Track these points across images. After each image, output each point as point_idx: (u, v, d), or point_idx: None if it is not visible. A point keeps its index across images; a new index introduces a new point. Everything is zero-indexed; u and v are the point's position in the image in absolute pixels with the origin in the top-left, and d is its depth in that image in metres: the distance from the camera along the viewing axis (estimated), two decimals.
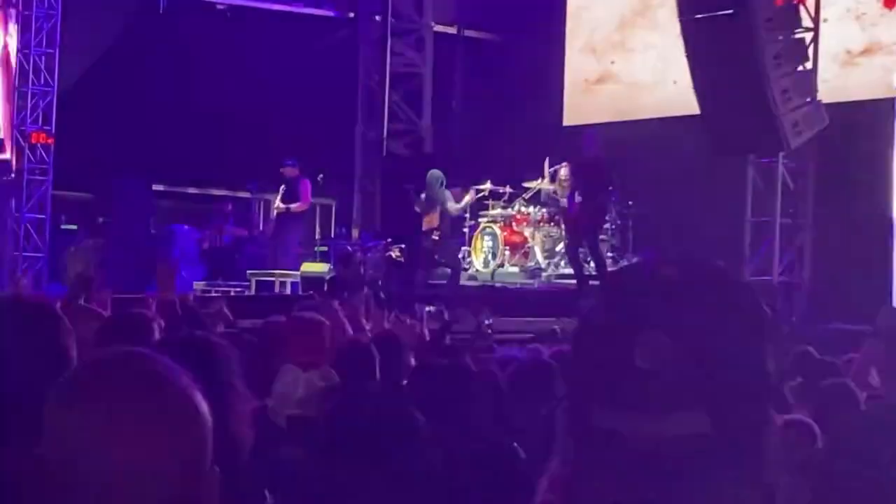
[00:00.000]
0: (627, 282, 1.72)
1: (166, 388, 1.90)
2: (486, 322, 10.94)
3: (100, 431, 1.83)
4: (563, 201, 18.52)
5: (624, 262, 17.97)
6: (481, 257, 20.05)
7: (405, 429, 3.03)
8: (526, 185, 20.03)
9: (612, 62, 21.36)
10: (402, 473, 2.94)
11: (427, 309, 13.81)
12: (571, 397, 1.71)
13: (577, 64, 21.87)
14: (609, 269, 17.02)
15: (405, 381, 6.08)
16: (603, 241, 18.28)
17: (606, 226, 18.60)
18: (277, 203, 20.31)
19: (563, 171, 19.39)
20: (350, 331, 7.88)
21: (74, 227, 22.51)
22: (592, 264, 17.46)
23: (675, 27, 15.49)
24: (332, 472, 2.94)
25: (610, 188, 17.04)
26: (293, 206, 20.04)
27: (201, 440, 1.90)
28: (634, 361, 1.61)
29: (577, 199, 17.24)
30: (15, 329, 2.76)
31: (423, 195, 18.69)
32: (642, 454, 1.61)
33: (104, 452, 1.82)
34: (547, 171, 19.54)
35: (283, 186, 20.16)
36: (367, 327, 9.52)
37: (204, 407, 1.91)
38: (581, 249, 17.50)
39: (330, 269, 19.19)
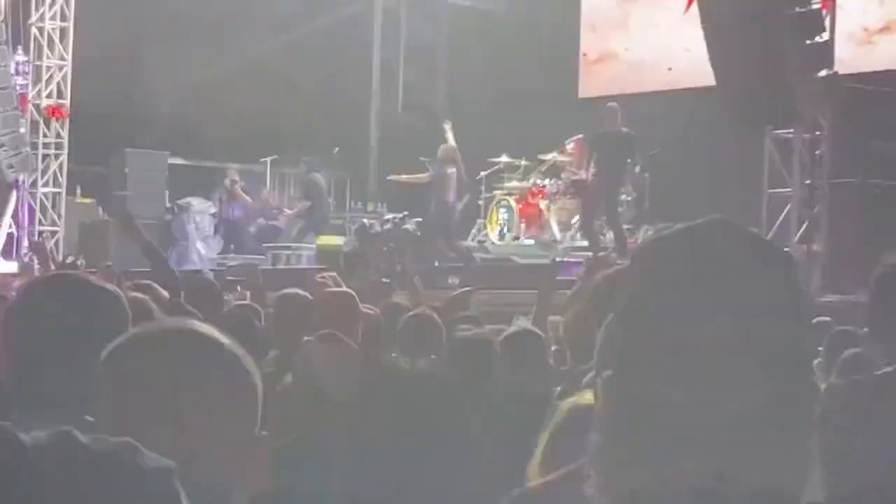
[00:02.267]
0: (672, 257, 1.73)
1: (219, 356, 1.95)
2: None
3: (151, 395, 1.88)
4: (582, 173, 18.53)
5: (641, 234, 17.95)
6: (496, 230, 20.04)
7: (430, 400, 3.03)
8: (541, 157, 20.01)
9: (626, 35, 21.30)
10: (435, 441, 2.95)
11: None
12: (619, 376, 1.72)
13: (592, 36, 21.82)
14: (627, 240, 17.01)
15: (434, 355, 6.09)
16: (620, 213, 18.25)
17: (623, 198, 18.57)
18: None
19: (571, 146, 19.40)
20: (359, 305, 7.88)
21: (90, 200, 22.54)
22: (609, 236, 17.44)
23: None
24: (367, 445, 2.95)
25: (630, 161, 17.03)
26: None
27: (253, 406, 1.96)
28: (694, 340, 1.63)
29: (593, 170, 17.26)
30: (77, 305, 2.79)
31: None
32: (700, 432, 1.63)
33: (154, 416, 1.86)
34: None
35: None
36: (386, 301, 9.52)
37: (255, 374, 1.97)
38: (597, 221, 17.51)
39: (346, 241, 19.22)
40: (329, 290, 7.15)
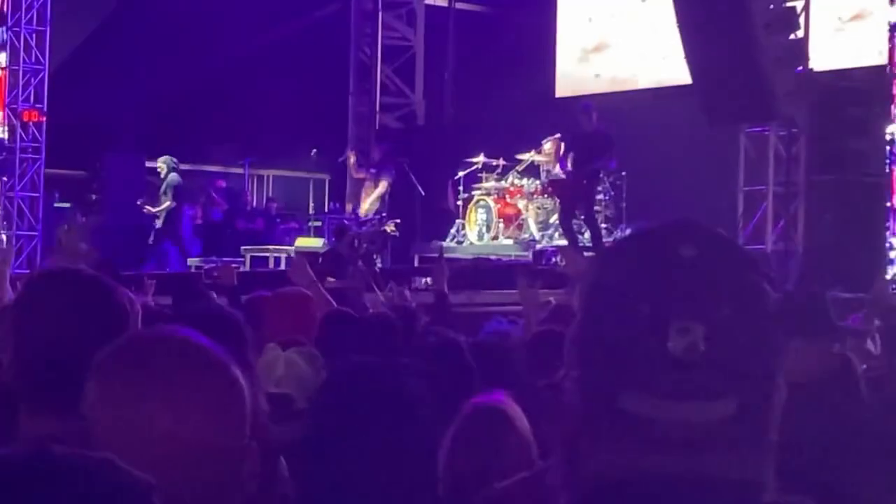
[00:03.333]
0: (643, 261, 1.73)
1: (209, 363, 1.97)
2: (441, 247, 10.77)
3: (143, 402, 1.90)
4: (557, 172, 18.58)
5: (618, 233, 17.99)
6: (475, 230, 20.06)
7: (395, 402, 3.03)
8: (519, 157, 20.03)
9: (603, 34, 21.33)
10: (392, 448, 2.96)
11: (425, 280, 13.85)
12: (587, 377, 1.72)
13: (569, 35, 21.84)
14: (604, 239, 17.06)
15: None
16: (597, 212, 18.28)
17: (599, 196, 18.61)
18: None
19: (549, 145, 19.43)
20: (334, 304, 7.85)
21: (68, 204, 22.48)
22: (587, 235, 17.48)
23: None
24: (321, 450, 2.96)
25: (604, 158, 17.04)
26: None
27: (241, 414, 1.97)
28: (669, 350, 1.65)
29: (570, 169, 17.32)
30: (82, 301, 2.80)
31: None
32: (667, 437, 1.64)
33: (147, 422, 1.88)
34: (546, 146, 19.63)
35: None
36: (368, 302, 9.51)
37: (243, 382, 1.99)
38: (575, 221, 17.55)
39: (324, 243, 19.21)
40: (283, 290, 7.12)
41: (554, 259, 17.21)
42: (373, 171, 20.05)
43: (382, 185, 19.85)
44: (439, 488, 3.25)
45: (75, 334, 2.66)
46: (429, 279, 13.59)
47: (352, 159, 20.96)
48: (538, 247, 19.16)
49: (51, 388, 2.62)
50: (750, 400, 1.66)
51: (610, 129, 17.03)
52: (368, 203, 19.91)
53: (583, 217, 17.43)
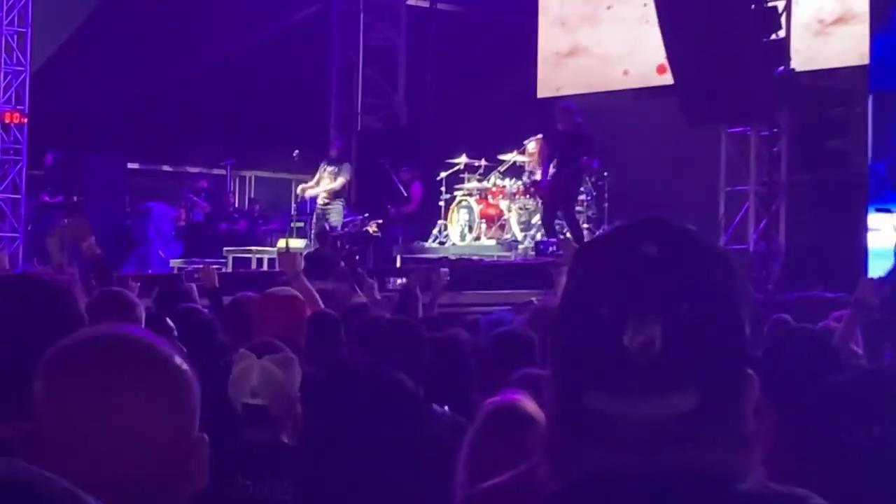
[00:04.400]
0: (606, 260, 1.75)
1: (155, 359, 1.97)
2: (443, 275, 10.82)
3: (92, 399, 1.90)
4: (539, 173, 18.61)
5: (599, 234, 18.02)
6: (457, 230, 20.06)
7: (384, 401, 3.04)
8: (501, 157, 20.04)
9: (584, 34, 21.35)
10: (380, 444, 2.97)
11: (399, 281, 13.84)
12: (558, 377, 1.74)
13: (550, 36, 21.85)
14: (585, 240, 17.09)
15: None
16: (579, 212, 18.31)
17: (582, 196, 18.63)
18: None
19: (532, 145, 19.44)
20: (320, 301, 7.88)
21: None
22: (568, 235, 17.50)
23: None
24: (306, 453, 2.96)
25: (586, 158, 17.04)
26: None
27: (189, 409, 1.97)
28: (625, 345, 1.66)
29: (552, 169, 17.35)
30: (32, 304, 2.80)
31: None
32: (633, 433, 1.66)
33: (96, 419, 1.89)
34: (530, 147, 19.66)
35: None
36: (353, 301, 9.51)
37: (193, 376, 1.99)
38: (557, 221, 17.58)
39: (307, 245, 19.19)
40: (273, 291, 7.13)
41: (551, 248, 17.21)
42: (332, 167, 19.96)
43: (340, 181, 19.81)
44: (455, 488, 3.27)
45: (23, 337, 2.67)
46: (403, 280, 13.58)
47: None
48: (521, 249, 19.18)
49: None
50: (713, 394, 1.67)
51: (592, 130, 17.06)
52: (319, 190, 19.80)
53: (563, 216, 17.45)
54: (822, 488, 1.87)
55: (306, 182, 20.42)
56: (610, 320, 1.67)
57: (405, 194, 20.29)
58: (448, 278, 10.80)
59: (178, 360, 1.99)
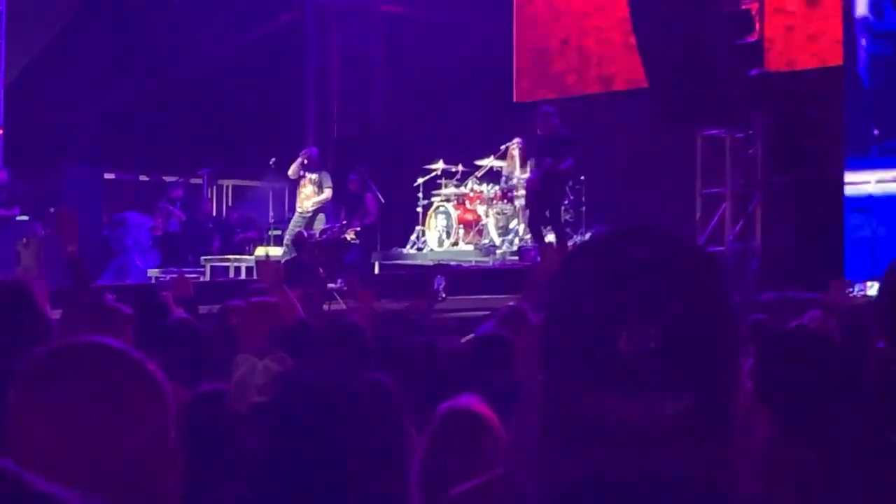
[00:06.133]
0: (599, 264, 1.75)
1: (129, 370, 1.98)
2: (439, 287, 10.85)
3: (65, 409, 1.90)
4: (516, 176, 18.65)
5: (578, 237, 18.03)
6: (435, 236, 20.08)
7: (353, 413, 3.04)
8: (478, 163, 20.06)
9: (560, 38, 21.38)
10: (357, 452, 2.97)
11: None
12: (550, 380, 1.75)
13: (526, 41, 21.88)
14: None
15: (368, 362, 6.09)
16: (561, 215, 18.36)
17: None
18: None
19: (513, 149, 19.48)
20: (300, 309, 7.87)
21: (26, 217, 22.35)
22: (549, 238, 17.53)
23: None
24: (288, 458, 2.96)
25: (550, 160, 17.04)
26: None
27: (163, 419, 1.99)
28: (619, 349, 1.67)
29: (534, 173, 17.41)
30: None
31: None
32: (626, 437, 1.67)
33: (70, 428, 1.89)
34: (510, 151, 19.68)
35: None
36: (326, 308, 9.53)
37: (166, 386, 2.01)
38: (545, 227, 17.60)
39: (284, 252, 19.18)
40: (258, 299, 7.12)
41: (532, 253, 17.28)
42: (313, 175, 19.93)
43: (326, 193, 19.82)
44: (412, 495, 3.26)
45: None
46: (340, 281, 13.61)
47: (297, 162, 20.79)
48: (499, 254, 19.20)
49: None
50: (706, 397, 1.68)
51: (573, 132, 17.06)
52: (310, 203, 19.82)
53: (549, 220, 17.45)
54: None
55: (283, 189, 20.38)
56: (604, 323, 1.68)
57: (382, 201, 20.25)
58: (444, 294, 10.81)
59: (151, 371, 2.00)
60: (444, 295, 10.92)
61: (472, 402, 3.79)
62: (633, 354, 1.65)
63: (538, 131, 17.22)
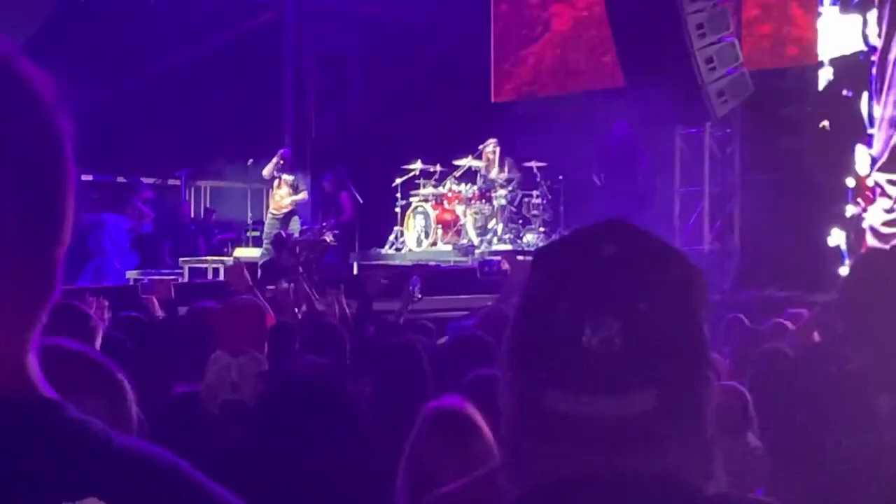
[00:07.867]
0: (565, 262, 1.75)
1: (87, 369, 2.00)
2: (415, 288, 10.84)
3: None
4: (493, 176, 18.66)
5: (555, 237, 18.07)
6: (413, 236, 20.07)
7: (337, 406, 3.03)
8: (456, 162, 20.07)
9: (538, 38, 21.40)
10: (337, 450, 2.95)
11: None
12: (517, 379, 1.74)
13: (503, 41, 21.89)
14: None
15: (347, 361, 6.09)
16: (535, 216, 18.37)
17: (537, 200, 18.72)
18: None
19: (490, 149, 19.50)
20: (271, 311, 7.87)
21: None
22: (526, 238, 17.55)
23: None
24: (266, 455, 2.95)
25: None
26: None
27: (127, 417, 2.03)
28: (585, 345, 1.66)
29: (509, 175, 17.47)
30: None
31: None
32: (593, 433, 1.66)
33: None
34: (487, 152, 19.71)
35: None
36: (301, 310, 9.51)
37: (126, 385, 2.05)
38: (513, 225, 17.62)
39: (263, 253, 19.15)
40: (236, 300, 7.12)
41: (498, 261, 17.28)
42: (289, 177, 19.93)
43: (303, 194, 19.83)
44: (397, 494, 3.25)
45: None
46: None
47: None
48: (477, 253, 19.20)
49: None
50: (671, 393, 1.67)
51: (547, 133, 17.11)
52: (287, 201, 19.84)
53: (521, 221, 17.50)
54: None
55: (261, 189, 20.35)
56: (569, 320, 1.67)
57: (360, 201, 20.26)
58: (420, 295, 10.81)
59: (114, 371, 2.02)
60: (419, 296, 10.91)
61: (458, 402, 3.79)
62: (597, 350, 1.64)
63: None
